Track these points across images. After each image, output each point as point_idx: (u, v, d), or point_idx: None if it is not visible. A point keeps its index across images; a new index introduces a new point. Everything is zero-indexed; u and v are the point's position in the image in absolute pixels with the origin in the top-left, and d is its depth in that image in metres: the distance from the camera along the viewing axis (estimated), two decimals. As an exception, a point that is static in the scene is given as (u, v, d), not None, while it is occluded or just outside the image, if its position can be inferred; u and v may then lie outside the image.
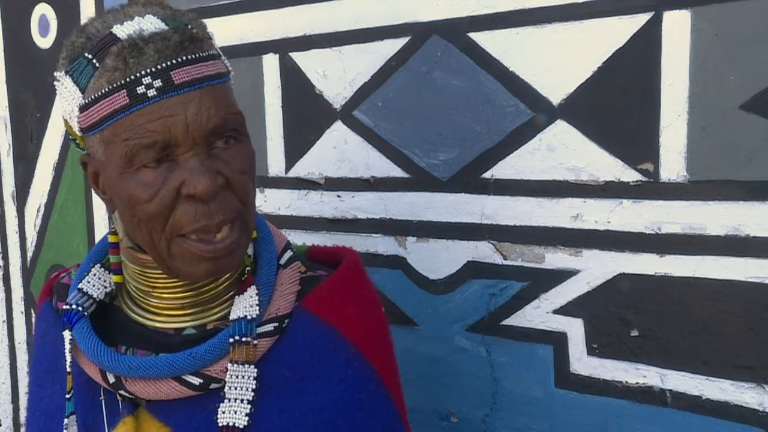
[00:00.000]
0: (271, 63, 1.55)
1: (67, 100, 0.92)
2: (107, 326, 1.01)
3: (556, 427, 1.25)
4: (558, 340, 1.23)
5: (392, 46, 1.36)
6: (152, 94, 0.86)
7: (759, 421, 1.06)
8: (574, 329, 1.22)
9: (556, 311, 1.23)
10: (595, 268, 1.18)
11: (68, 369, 1.00)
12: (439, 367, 1.37)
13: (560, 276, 1.22)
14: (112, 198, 0.94)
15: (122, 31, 0.88)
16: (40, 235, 2.28)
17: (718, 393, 1.09)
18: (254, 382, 0.94)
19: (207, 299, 0.99)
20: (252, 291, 0.98)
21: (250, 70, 1.57)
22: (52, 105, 2.14)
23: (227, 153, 0.91)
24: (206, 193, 0.87)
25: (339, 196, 1.48)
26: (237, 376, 0.94)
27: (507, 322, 1.28)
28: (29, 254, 2.33)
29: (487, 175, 1.28)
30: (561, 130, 1.19)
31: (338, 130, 1.46)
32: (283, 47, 1.53)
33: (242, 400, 0.93)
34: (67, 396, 1.00)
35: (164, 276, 0.97)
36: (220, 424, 0.93)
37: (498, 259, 1.28)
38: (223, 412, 0.93)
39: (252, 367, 0.94)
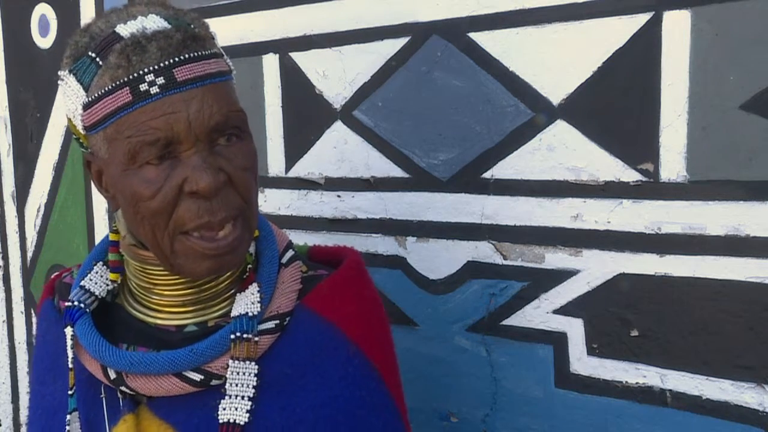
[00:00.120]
0: (271, 63, 1.55)
1: (70, 99, 0.93)
2: (109, 324, 1.02)
3: (556, 427, 1.25)
4: (558, 340, 1.23)
5: (392, 46, 1.36)
6: (155, 91, 0.86)
7: (759, 421, 1.06)
8: (574, 329, 1.22)
9: (556, 311, 1.23)
10: (595, 268, 1.18)
11: (70, 365, 1.00)
12: (439, 367, 1.38)
13: (560, 276, 1.22)
14: (115, 196, 0.94)
15: (125, 29, 0.89)
16: (40, 235, 2.28)
17: (718, 393, 1.09)
18: (255, 378, 0.94)
19: (208, 296, 0.99)
20: (253, 288, 0.98)
21: (250, 70, 1.57)
22: (52, 105, 2.14)
23: (229, 150, 0.91)
24: (208, 190, 0.87)
25: (339, 196, 1.48)
26: (238, 373, 0.94)
27: (507, 322, 1.28)
28: (29, 254, 2.33)
29: (487, 175, 1.28)
30: (561, 130, 1.19)
31: (338, 130, 1.46)
32: (283, 47, 1.53)
33: (243, 397, 0.94)
34: (70, 392, 1.00)
35: (166, 273, 0.97)
36: (220, 421, 0.93)
37: (498, 259, 1.28)
38: (224, 409, 0.94)
39: (253, 363, 0.94)
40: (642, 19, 1.10)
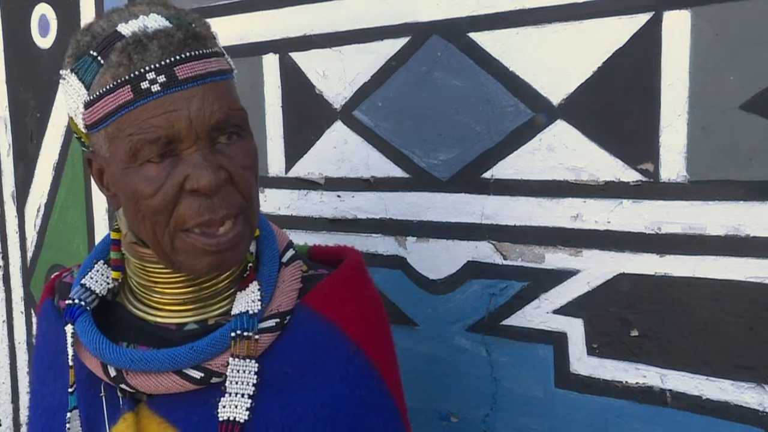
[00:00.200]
0: (271, 63, 1.55)
1: (72, 98, 0.93)
2: (109, 322, 1.02)
3: (556, 427, 1.25)
4: (558, 340, 1.23)
5: (392, 46, 1.36)
6: (156, 89, 0.86)
7: (759, 421, 1.06)
8: (574, 329, 1.22)
9: (556, 311, 1.23)
10: (595, 268, 1.18)
11: (70, 362, 1.00)
12: (439, 367, 1.38)
13: (560, 276, 1.22)
14: (116, 194, 0.95)
15: (127, 28, 0.89)
16: (40, 235, 2.28)
17: (718, 393, 1.09)
18: (255, 376, 0.94)
19: (208, 295, 0.99)
20: (254, 287, 0.98)
21: (250, 70, 1.57)
22: (52, 105, 2.14)
23: (230, 148, 0.91)
24: (209, 188, 0.88)
25: (339, 196, 1.48)
26: (238, 371, 0.94)
27: (507, 322, 1.28)
28: (29, 254, 2.33)
29: (487, 175, 1.28)
30: (561, 130, 1.19)
31: (338, 130, 1.46)
32: (283, 47, 1.53)
33: (243, 395, 0.94)
34: (70, 390, 1.00)
35: (166, 271, 0.97)
36: (220, 419, 0.93)
37: (498, 259, 1.28)
38: (224, 407, 0.94)
39: (253, 362, 0.94)
40: (642, 19, 1.10)
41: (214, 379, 0.95)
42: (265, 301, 0.98)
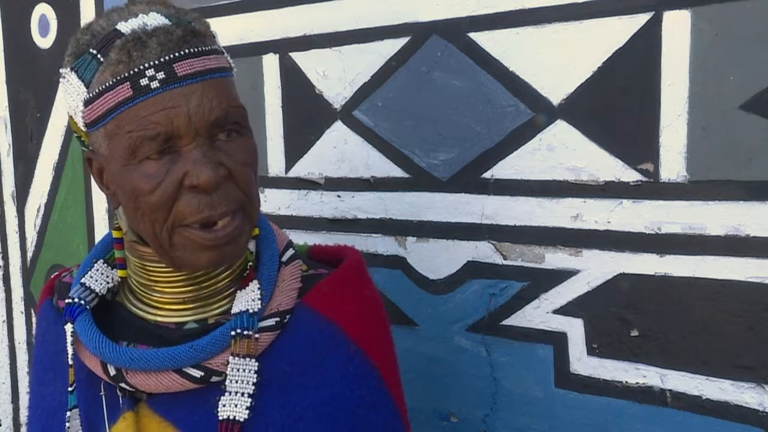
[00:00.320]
0: (271, 63, 1.55)
1: (71, 96, 0.93)
2: (109, 321, 1.02)
3: (556, 427, 1.25)
4: (558, 340, 1.23)
5: (392, 46, 1.36)
6: (155, 86, 0.87)
7: (759, 421, 1.06)
8: (574, 329, 1.22)
9: (556, 311, 1.23)
10: (595, 268, 1.18)
11: (70, 362, 1.00)
12: (439, 367, 1.38)
13: (560, 276, 1.22)
14: (116, 192, 0.95)
15: (126, 26, 0.90)
16: (40, 235, 2.28)
17: (718, 393, 1.09)
18: (255, 375, 0.94)
19: (208, 294, 0.99)
20: (254, 285, 0.98)
21: (250, 70, 1.57)
22: (52, 105, 2.14)
23: (229, 145, 0.91)
24: (209, 184, 0.88)
25: (339, 196, 1.48)
26: (238, 370, 0.94)
27: (507, 322, 1.28)
28: (29, 254, 2.33)
29: (487, 175, 1.28)
30: (561, 130, 1.19)
31: (338, 130, 1.46)
32: (283, 47, 1.53)
33: (243, 394, 0.94)
34: (70, 389, 1.00)
35: (166, 270, 0.97)
36: (220, 418, 0.93)
37: (498, 259, 1.28)
38: (224, 406, 0.94)
39: (253, 360, 0.94)
40: (642, 19, 1.10)
41: (214, 378, 0.95)
42: (265, 300, 0.98)
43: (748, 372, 1.07)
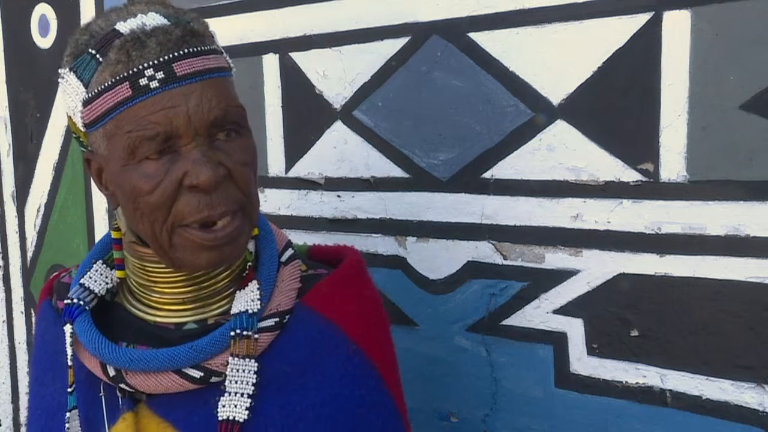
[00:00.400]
0: (271, 63, 1.55)
1: (70, 96, 0.93)
2: (108, 322, 1.02)
3: (556, 427, 1.25)
4: (558, 340, 1.23)
5: (392, 46, 1.36)
6: (154, 85, 0.87)
7: (759, 421, 1.06)
8: (574, 329, 1.22)
9: (556, 311, 1.23)
10: (595, 268, 1.18)
11: (69, 362, 1.00)
12: (439, 367, 1.38)
13: (560, 276, 1.22)
14: (115, 192, 0.94)
15: (125, 26, 0.90)
16: (40, 235, 2.28)
17: (718, 393, 1.09)
18: (255, 376, 0.94)
19: (208, 294, 0.99)
20: (253, 286, 0.98)
21: (250, 70, 1.57)
22: (52, 105, 2.14)
23: (229, 145, 0.91)
24: (208, 184, 0.87)
25: (339, 196, 1.48)
26: (238, 370, 0.94)
27: (507, 322, 1.28)
28: (29, 254, 2.33)
29: (487, 175, 1.28)
30: (561, 130, 1.19)
31: (338, 130, 1.46)
32: (283, 47, 1.53)
33: (243, 394, 0.94)
34: (69, 390, 1.00)
35: (165, 270, 0.97)
36: (220, 418, 0.93)
37: (498, 259, 1.28)
38: (224, 406, 0.94)
39: (253, 361, 0.94)
40: (642, 19, 1.10)
41: (214, 379, 0.95)
42: (264, 300, 0.98)
43: (748, 372, 1.07)
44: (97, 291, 1.03)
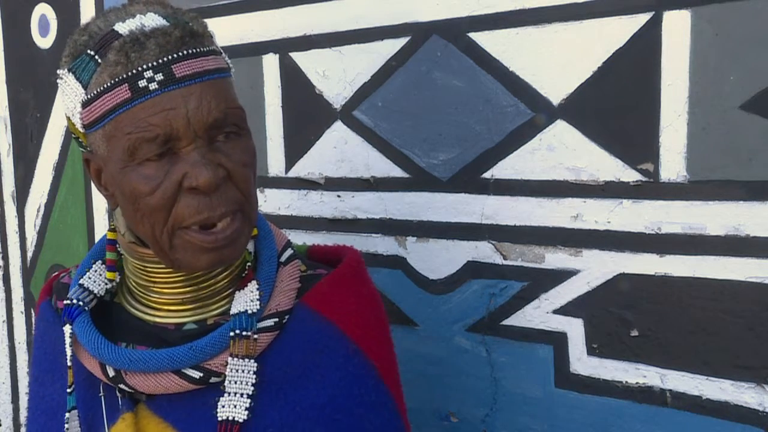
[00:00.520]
0: (271, 63, 1.55)
1: (69, 97, 0.93)
2: (107, 323, 1.02)
3: (556, 427, 1.25)
4: (558, 340, 1.23)
5: (392, 46, 1.36)
6: (154, 87, 0.86)
7: (759, 421, 1.06)
8: (574, 329, 1.22)
9: (556, 311, 1.23)
10: (595, 268, 1.18)
11: (69, 363, 1.00)
12: (439, 367, 1.37)
13: (560, 276, 1.22)
14: (114, 193, 0.95)
15: (124, 27, 0.89)
16: (40, 235, 2.28)
17: (718, 393, 1.09)
18: (254, 376, 0.94)
19: (207, 295, 0.99)
20: (252, 286, 0.98)
21: (250, 70, 1.57)
22: (52, 105, 2.14)
23: (228, 146, 0.91)
24: (208, 186, 0.87)
25: (339, 196, 1.48)
26: (237, 370, 0.94)
27: (507, 322, 1.28)
28: (29, 254, 2.33)
29: (487, 175, 1.28)
30: (561, 130, 1.19)
31: (338, 130, 1.46)
32: (283, 47, 1.53)
33: (242, 395, 0.94)
34: (69, 390, 1.00)
35: (165, 271, 0.97)
36: (219, 419, 0.93)
37: (498, 259, 1.28)
38: (223, 406, 0.94)
39: (252, 361, 0.94)
40: (642, 19, 1.10)
41: (213, 379, 0.95)
42: (263, 300, 0.98)
43: (748, 372, 1.07)
44: (96, 291, 1.03)
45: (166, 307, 1.00)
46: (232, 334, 0.94)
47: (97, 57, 0.89)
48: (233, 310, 0.97)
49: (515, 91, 1.23)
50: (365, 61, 1.40)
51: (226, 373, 0.94)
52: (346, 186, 1.47)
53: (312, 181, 1.52)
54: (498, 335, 1.30)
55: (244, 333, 0.94)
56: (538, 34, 1.20)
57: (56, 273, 1.17)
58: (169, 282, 0.98)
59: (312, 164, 1.51)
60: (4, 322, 2.47)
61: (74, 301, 1.01)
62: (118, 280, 1.05)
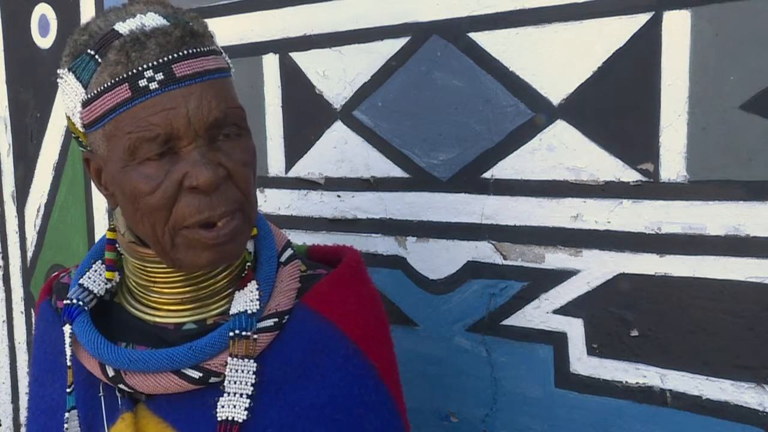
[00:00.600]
0: (271, 63, 1.55)
1: (69, 97, 0.93)
2: (107, 323, 1.02)
3: (556, 427, 1.25)
4: (558, 340, 1.23)
5: (392, 46, 1.36)
6: (154, 87, 0.87)
7: (759, 421, 1.06)
8: (574, 329, 1.22)
9: (556, 311, 1.23)
10: (595, 268, 1.18)
11: (68, 363, 1.00)
12: (439, 367, 1.37)
13: (560, 276, 1.22)
14: (114, 193, 0.95)
15: (124, 27, 0.89)
16: (40, 235, 2.28)
17: (718, 393, 1.09)
18: (254, 376, 0.94)
19: (207, 294, 0.99)
20: (252, 286, 0.98)
21: (250, 70, 1.57)
22: (52, 105, 2.14)
23: (228, 145, 0.92)
24: (208, 185, 0.88)
25: (339, 196, 1.48)
26: (237, 370, 0.94)
27: (507, 322, 1.28)
28: (29, 254, 2.33)
29: (487, 175, 1.28)
30: (561, 130, 1.19)
31: (338, 130, 1.46)
32: (283, 47, 1.53)
33: (242, 395, 0.94)
34: (68, 390, 1.00)
35: (165, 270, 0.97)
36: (219, 419, 0.93)
37: (498, 259, 1.28)
38: (222, 407, 0.94)
39: (251, 361, 0.94)
40: (642, 19, 1.10)
41: (213, 379, 0.95)
42: (263, 300, 0.98)
43: (748, 372, 1.07)
44: (96, 291, 1.03)
45: (165, 307, 1.00)
46: (231, 334, 0.94)
47: (97, 56, 0.89)
48: (233, 310, 0.97)
49: (515, 91, 1.23)
50: (365, 61, 1.40)
51: (226, 373, 0.94)
52: (346, 186, 1.47)
53: (312, 181, 1.52)
54: (498, 335, 1.30)
55: (243, 333, 0.94)
56: (538, 34, 1.20)
57: (56, 273, 1.17)
58: (169, 282, 0.98)
59: (312, 164, 1.51)
60: (4, 322, 2.47)
61: (74, 301, 1.01)
62: (117, 279, 1.05)
